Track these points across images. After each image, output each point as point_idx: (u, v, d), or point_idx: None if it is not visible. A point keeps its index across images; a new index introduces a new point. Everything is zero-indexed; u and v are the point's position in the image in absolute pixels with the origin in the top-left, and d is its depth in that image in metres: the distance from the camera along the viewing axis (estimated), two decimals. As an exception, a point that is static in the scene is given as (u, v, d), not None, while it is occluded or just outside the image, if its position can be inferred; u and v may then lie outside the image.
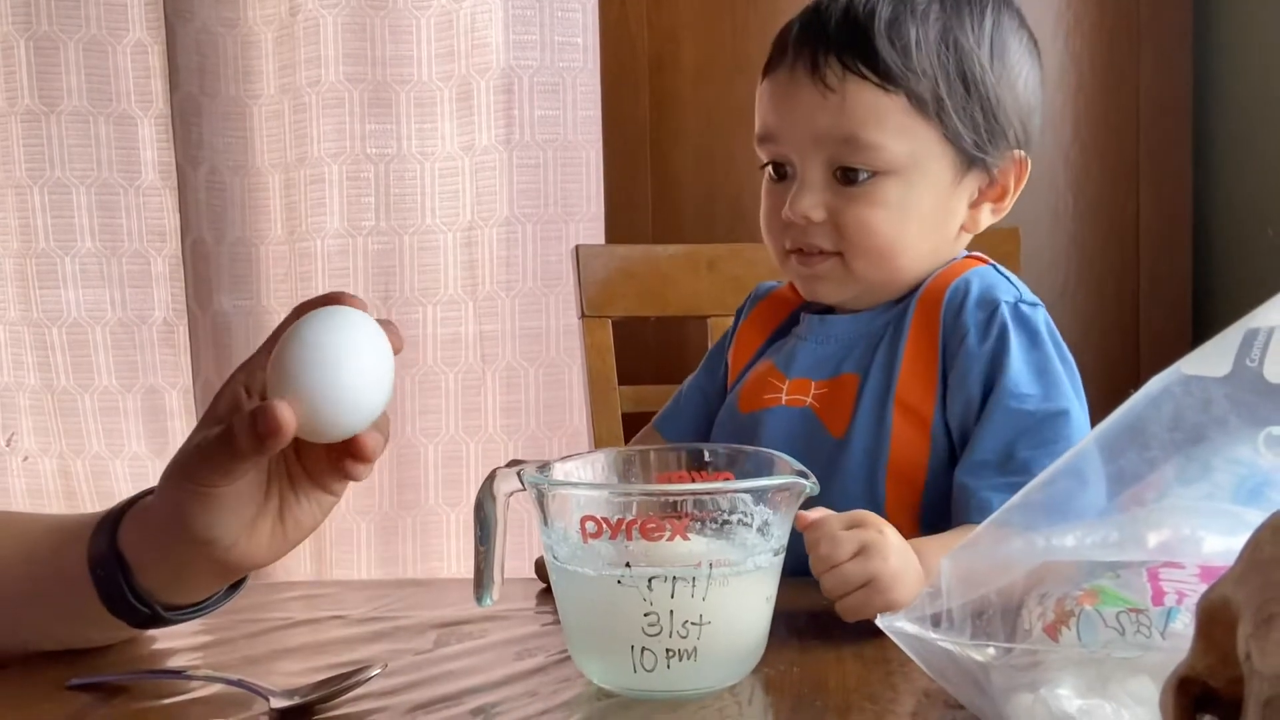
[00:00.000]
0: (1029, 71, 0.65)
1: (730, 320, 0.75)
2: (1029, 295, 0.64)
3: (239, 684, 0.47)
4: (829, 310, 0.68)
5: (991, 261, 0.67)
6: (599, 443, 0.96)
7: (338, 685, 0.46)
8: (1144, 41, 1.23)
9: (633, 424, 0.97)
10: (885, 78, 0.61)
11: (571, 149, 1.20)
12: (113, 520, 0.50)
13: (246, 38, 1.23)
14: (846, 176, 0.62)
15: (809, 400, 0.65)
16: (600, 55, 1.20)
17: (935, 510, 0.61)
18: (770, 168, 0.66)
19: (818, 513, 0.51)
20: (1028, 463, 0.57)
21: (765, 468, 0.50)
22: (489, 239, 1.21)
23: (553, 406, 1.22)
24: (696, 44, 1.26)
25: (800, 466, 0.48)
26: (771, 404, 0.66)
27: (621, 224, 1.24)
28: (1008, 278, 0.65)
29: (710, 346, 0.78)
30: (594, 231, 1.21)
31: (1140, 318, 1.26)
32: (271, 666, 0.51)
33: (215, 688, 0.48)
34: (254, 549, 0.48)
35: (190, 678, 0.49)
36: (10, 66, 1.24)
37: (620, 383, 0.97)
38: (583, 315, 0.98)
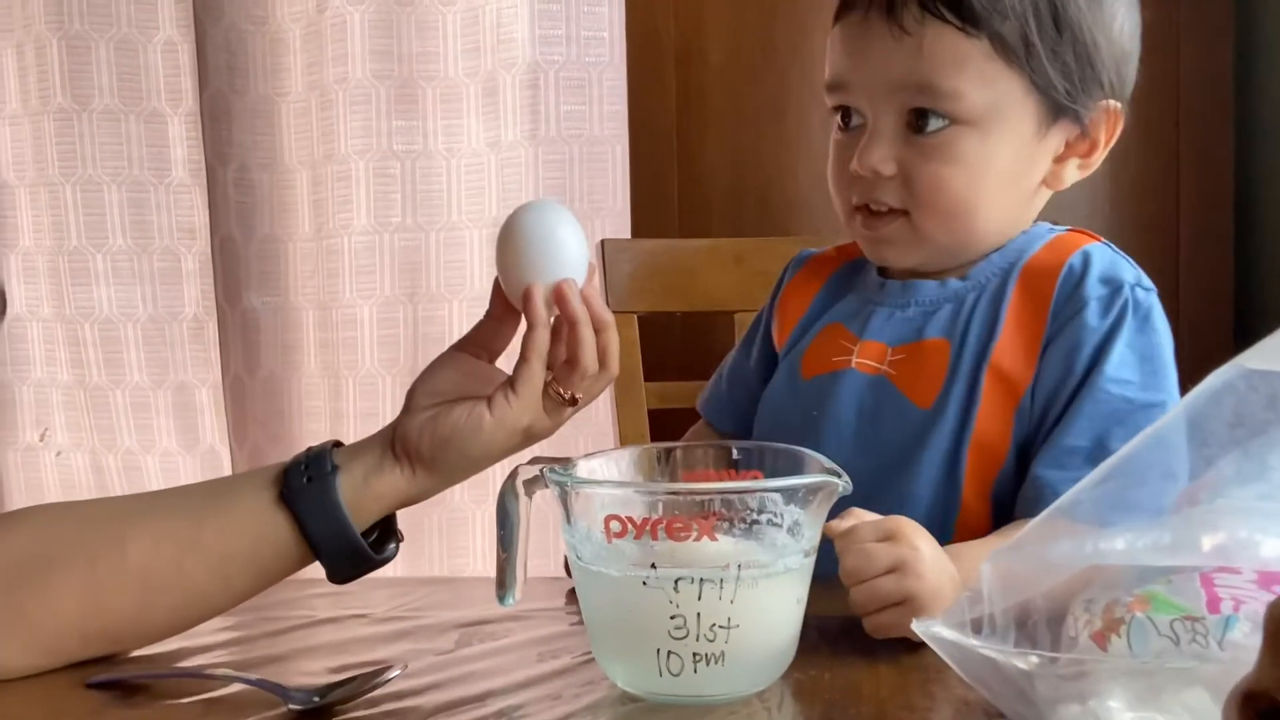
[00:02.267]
0: (1125, 14, 0.61)
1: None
2: (1146, 280, 0.60)
3: (259, 683, 0.47)
4: (910, 273, 0.63)
5: (1104, 240, 0.63)
6: (624, 439, 0.94)
7: (358, 686, 0.46)
8: (1183, 39, 1.20)
9: (658, 420, 0.96)
10: (968, 20, 0.57)
11: (598, 144, 1.19)
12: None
13: (275, 35, 1.23)
14: (919, 123, 0.58)
15: (884, 367, 0.61)
16: (626, 50, 1.18)
17: (1009, 495, 0.58)
18: (839, 116, 0.62)
19: (848, 520, 0.49)
20: None
21: (796, 465, 0.48)
22: (515, 235, 1.20)
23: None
24: (723, 38, 1.24)
25: (832, 465, 0.46)
26: (841, 366, 0.62)
27: (648, 219, 1.22)
28: (1125, 258, 0.61)
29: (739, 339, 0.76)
30: (620, 226, 1.19)
31: (1181, 316, 1.22)
32: (292, 665, 0.51)
33: (235, 687, 0.48)
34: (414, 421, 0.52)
35: (210, 677, 0.48)
36: (43, 65, 1.25)
37: (646, 379, 0.96)
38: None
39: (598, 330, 0.52)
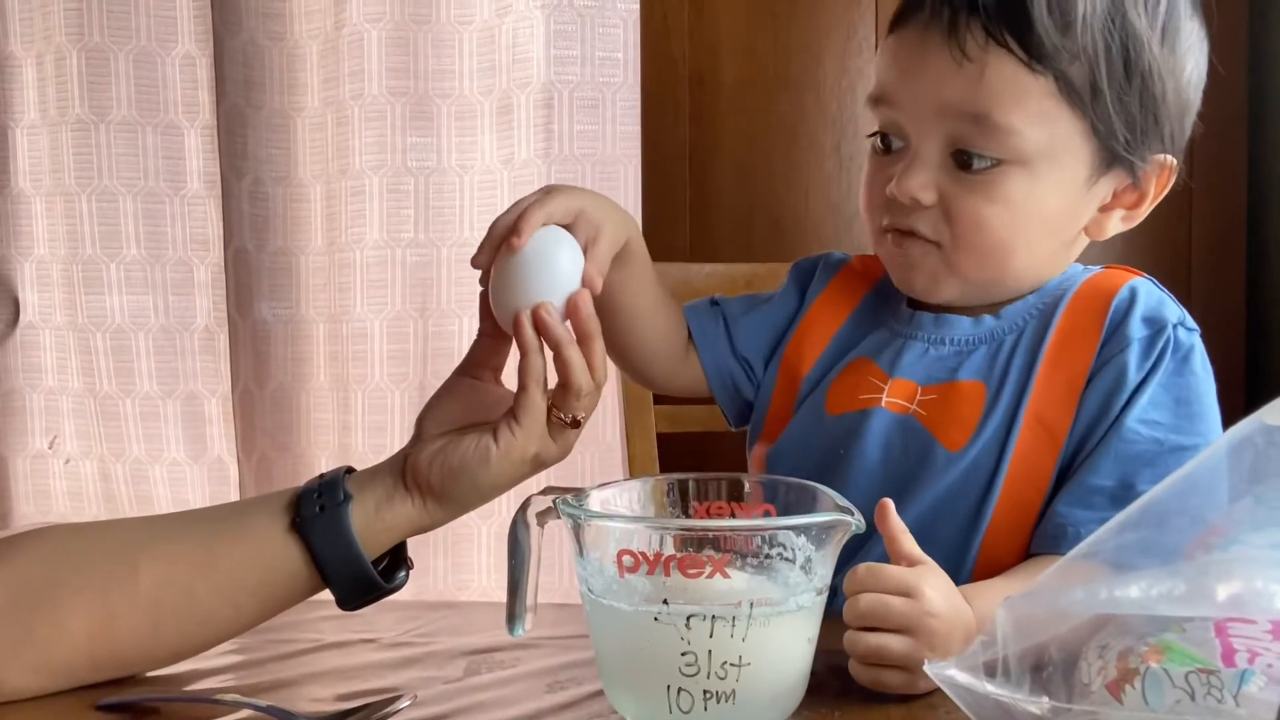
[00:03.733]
0: (1195, 64, 0.57)
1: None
2: (1189, 320, 0.58)
3: (268, 710, 0.47)
4: (940, 306, 0.61)
5: (1147, 275, 0.60)
6: (633, 462, 0.94)
7: (367, 715, 0.46)
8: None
9: (668, 444, 0.96)
10: (1035, 55, 0.53)
11: (610, 164, 1.20)
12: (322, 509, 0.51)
13: (292, 51, 1.24)
14: (963, 161, 0.55)
15: (913, 408, 0.58)
16: (641, 71, 1.19)
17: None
18: (878, 138, 0.59)
19: (868, 567, 0.47)
20: None
21: (809, 501, 0.48)
22: (526, 253, 1.21)
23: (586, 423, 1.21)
24: (737, 62, 1.25)
25: (845, 503, 0.46)
26: (869, 404, 0.59)
27: (659, 240, 1.22)
28: (1169, 295, 0.59)
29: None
30: (631, 247, 1.20)
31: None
32: (301, 691, 0.51)
33: (244, 712, 0.47)
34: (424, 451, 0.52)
35: (220, 701, 0.48)
36: (62, 76, 1.27)
37: (655, 401, 0.96)
38: (619, 333, 0.97)
39: (584, 343, 0.51)
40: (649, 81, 1.21)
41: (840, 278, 0.66)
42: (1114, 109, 0.55)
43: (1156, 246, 1.23)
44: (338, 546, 0.51)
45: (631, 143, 1.20)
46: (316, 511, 0.51)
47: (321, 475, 0.54)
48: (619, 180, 1.20)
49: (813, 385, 0.63)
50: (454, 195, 1.22)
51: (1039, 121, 0.55)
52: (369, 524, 0.52)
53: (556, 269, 0.51)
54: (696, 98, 1.26)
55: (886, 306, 0.65)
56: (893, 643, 0.46)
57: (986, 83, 0.54)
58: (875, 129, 0.60)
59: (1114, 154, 0.56)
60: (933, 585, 0.47)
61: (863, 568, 0.47)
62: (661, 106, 1.24)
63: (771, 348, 0.66)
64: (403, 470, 0.53)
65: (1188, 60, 0.58)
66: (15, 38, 1.28)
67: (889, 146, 0.59)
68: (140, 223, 1.28)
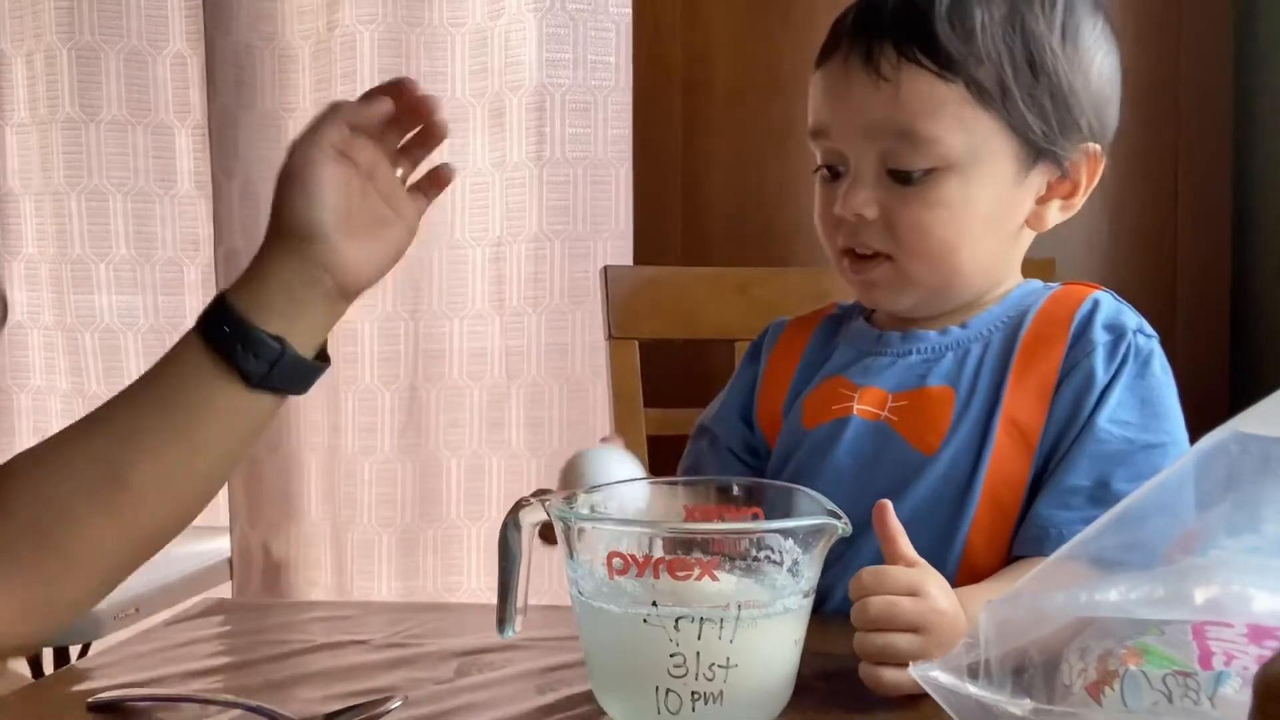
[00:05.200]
0: (1104, 58, 0.61)
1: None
2: (1147, 327, 0.61)
3: (258, 710, 0.47)
4: (905, 321, 0.64)
5: (1107, 289, 0.64)
6: (623, 465, 0.95)
7: (357, 715, 0.46)
8: (1183, 67, 1.21)
9: (658, 446, 0.96)
10: (944, 65, 0.58)
11: (602, 167, 1.20)
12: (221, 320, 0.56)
13: (284, 52, 1.24)
14: (899, 176, 0.59)
15: (884, 414, 0.61)
16: (632, 75, 1.20)
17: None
18: (824, 170, 0.63)
19: (871, 571, 0.48)
20: (1122, 497, 0.53)
21: (796, 505, 0.49)
22: (517, 255, 1.21)
23: (577, 424, 1.22)
24: (729, 65, 1.26)
25: (832, 506, 0.46)
26: (842, 414, 0.62)
27: (650, 243, 1.23)
28: (1127, 306, 0.62)
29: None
30: (622, 250, 1.20)
31: (1177, 349, 1.24)
32: (292, 692, 0.51)
33: (235, 713, 0.48)
34: (353, 255, 0.58)
35: (211, 701, 0.49)
36: (52, 75, 1.26)
37: (646, 404, 0.96)
38: (610, 336, 0.97)
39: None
40: (641, 85, 1.21)
41: (789, 330, 0.71)
42: (1025, 106, 0.59)
43: (1142, 254, 1.24)
44: (305, 384, 0.58)
45: (623, 146, 1.21)
46: (268, 370, 0.56)
47: (213, 314, 0.57)
48: (610, 183, 1.21)
49: (787, 410, 0.66)
50: (445, 197, 1.22)
51: (958, 127, 0.58)
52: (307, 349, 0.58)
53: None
54: (688, 102, 1.26)
55: (843, 328, 0.68)
56: (901, 641, 0.47)
57: (904, 98, 0.58)
58: (819, 164, 0.64)
59: (1037, 148, 0.60)
60: (935, 583, 0.48)
61: (866, 572, 0.48)
62: (653, 110, 1.25)
63: (749, 411, 0.69)
64: (326, 286, 0.58)
65: (1095, 55, 0.61)
66: (5, 36, 1.28)
67: (835, 174, 0.62)
68: (130, 222, 1.28)
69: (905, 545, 0.49)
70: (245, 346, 0.55)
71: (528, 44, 1.19)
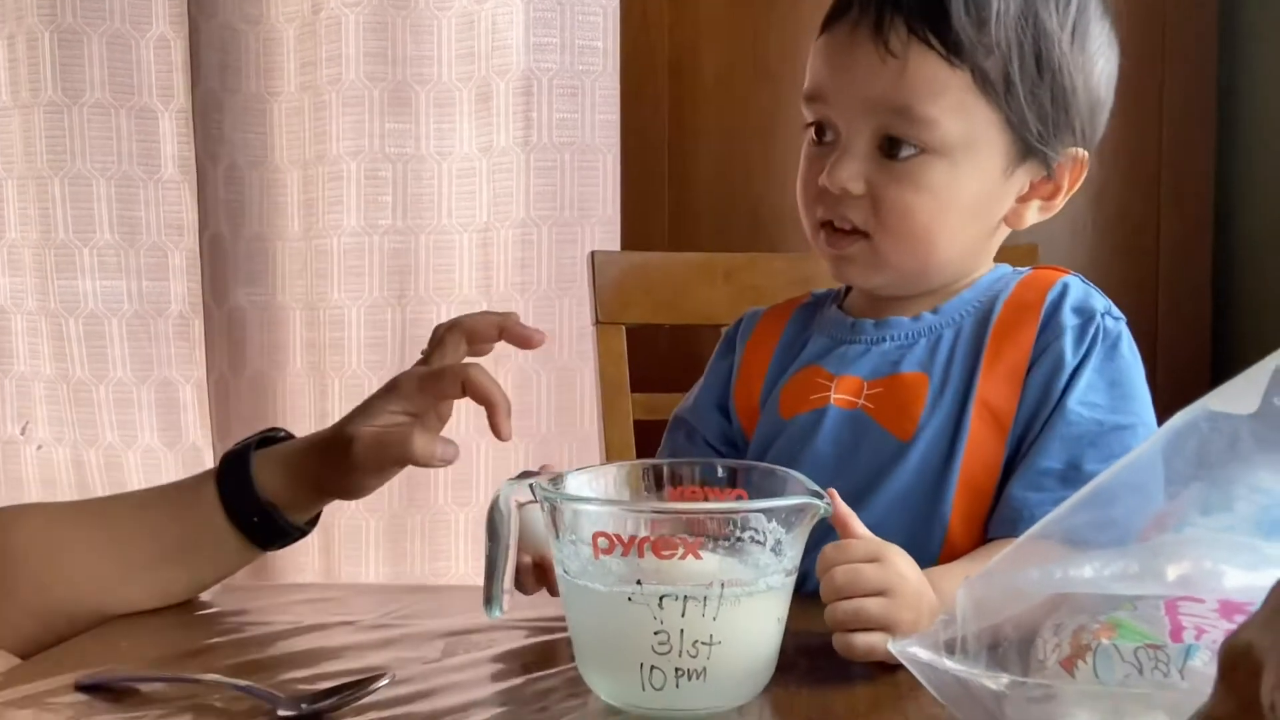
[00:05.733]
0: (1105, 64, 0.61)
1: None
2: (1115, 310, 0.62)
3: (247, 690, 0.47)
4: (876, 310, 0.65)
5: (1075, 272, 0.64)
6: (610, 449, 0.95)
7: (345, 694, 0.46)
8: (1167, 56, 1.22)
9: (644, 431, 0.97)
10: (953, 50, 0.57)
11: (589, 153, 1.20)
12: (236, 471, 0.60)
13: (268, 34, 1.23)
14: (891, 149, 0.59)
15: (860, 402, 0.61)
16: (620, 60, 1.19)
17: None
18: (812, 129, 0.62)
19: (834, 545, 0.50)
20: (1093, 478, 0.55)
21: (779, 485, 0.50)
22: (504, 240, 1.21)
23: (564, 410, 1.22)
24: (717, 51, 1.26)
25: (814, 486, 0.47)
26: (819, 404, 0.62)
27: (637, 229, 1.23)
28: (1095, 289, 0.63)
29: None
30: (609, 235, 1.21)
31: (1159, 336, 1.25)
32: (279, 672, 0.51)
33: (224, 692, 0.48)
34: (377, 485, 0.62)
35: (198, 681, 0.49)
36: (34, 58, 1.25)
37: (632, 389, 0.97)
38: (597, 322, 0.98)
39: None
40: (628, 70, 1.21)
41: (764, 319, 0.71)
42: (1026, 102, 0.59)
43: (1125, 243, 1.25)
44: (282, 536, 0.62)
45: (611, 131, 1.20)
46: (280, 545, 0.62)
47: (244, 499, 0.60)
48: (598, 168, 1.21)
49: (764, 402, 0.67)
50: (432, 182, 1.22)
51: (957, 113, 0.58)
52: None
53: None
54: (676, 86, 1.26)
55: (818, 315, 0.68)
56: (870, 605, 0.48)
57: (909, 77, 0.58)
58: (808, 121, 0.63)
59: (1028, 146, 0.60)
60: (894, 551, 0.50)
61: (829, 547, 0.49)
62: (641, 95, 1.25)
63: (725, 402, 0.69)
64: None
65: (1098, 59, 0.61)
66: (-15, 18, 1.26)
67: (821, 138, 0.62)
68: (114, 207, 1.26)
69: (858, 524, 0.50)
70: (274, 537, 0.61)
71: (515, 28, 1.19)
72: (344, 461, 0.59)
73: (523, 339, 0.61)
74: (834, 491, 0.49)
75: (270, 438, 0.63)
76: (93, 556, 0.59)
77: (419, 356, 0.63)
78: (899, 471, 0.60)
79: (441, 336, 0.62)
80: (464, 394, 0.58)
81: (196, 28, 1.21)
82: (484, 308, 1.22)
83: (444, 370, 0.59)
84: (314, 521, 0.64)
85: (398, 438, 0.58)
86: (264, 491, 0.60)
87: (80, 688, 0.49)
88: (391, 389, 0.60)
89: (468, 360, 0.61)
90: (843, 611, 0.48)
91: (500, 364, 1.27)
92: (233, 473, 0.60)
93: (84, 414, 1.30)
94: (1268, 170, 1.21)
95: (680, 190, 1.27)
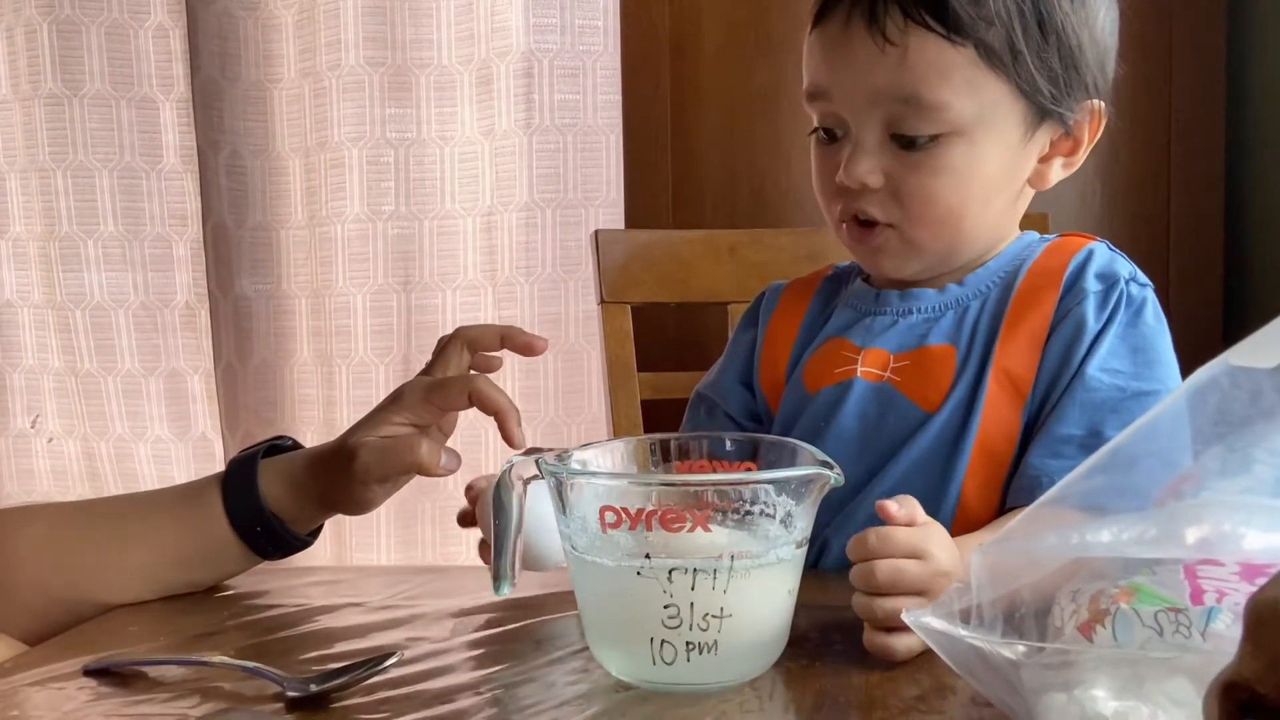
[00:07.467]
0: (1107, 11, 0.60)
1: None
2: (1141, 275, 0.61)
3: (256, 671, 0.47)
4: (906, 281, 0.63)
5: (1102, 239, 0.63)
6: (618, 429, 0.95)
7: (354, 674, 0.46)
8: (1176, 25, 1.20)
9: (652, 411, 0.96)
10: (953, 28, 0.56)
11: (591, 134, 1.19)
12: (241, 481, 0.60)
13: (267, 21, 1.22)
14: (905, 141, 0.58)
15: (887, 375, 0.61)
16: (621, 39, 1.18)
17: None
18: (820, 132, 0.62)
19: (876, 533, 0.47)
20: None
21: (789, 457, 0.49)
22: (508, 224, 1.21)
23: (571, 392, 1.22)
24: (718, 28, 1.24)
25: (824, 457, 0.46)
26: (845, 377, 0.61)
27: (641, 209, 1.23)
28: (1122, 255, 0.62)
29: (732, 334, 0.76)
30: (614, 217, 1.20)
31: (1170, 305, 1.23)
32: (289, 653, 0.51)
33: (232, 674, 0.48)
34: (382, 498, 0.62)
35: (207, 664, 0.49)
36: (33, 50, 1.24)
37: (639, 369, 0.96)
38: (602, 301, 0.97)
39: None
40: (629, 50, 1.20)
41: (788, 293, 0.70)
42: (1035, 67, 0.57)
43: (1135, 206, 1.24)
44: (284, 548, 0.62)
45: (613, 111, 1.19)
46: (271, 549, 0.61)
47: (249, 512, 0.60)
48: (601, 149, 1.20)
49: (790, 371, 0.65)
50: (434, 167, 1.21)
51: (967, 91, 0.57)
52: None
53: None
54: (677, 65, 1.25)
55: (842, 289, 0.67)
56: (911, 605, 0.45)
57: (911, 63, 0.56)
58: (815, 125, 0.62)
59: (1043, 109, 0.59)
60: (938, 544, 0.47)
61: (871, 533, 0.47)
62: (642, 74, 1.24)
63: (749, 376, 0.68)
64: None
65: (1099, 9, 0.60)
66: (-17, 11, 1.26)
67: (833, 137, 0.61)
68: (117, 198, 1.26)
69: (905, 511, 0.48)
70: (275, 547, 0.61)
71: (514, 9, 1.17)
72: (348, 472, 0.58)
73: (525, 346, 0.61)
74: (889, 504, 0.47)
75: (278, 446, 0.63)
76: (95, 559, 0.59)
77: (425, 352, 0.62)
78: (919, 441, 0.59)
79: (443, 348, 0.62)
80: (470, 405, 0.58)
81: (195, 16, 1.20)
82: (489, 292, 1.22)
83: (449, 381, 0.59)
84: (316, 534, 0.63)
85: (402, 446, 0.58)
86: (268, 502, 0.59)
87: (88, 672, 0.49)
88: (396, 400, 0.59)
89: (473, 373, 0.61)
90: (882, 610, 0.46)
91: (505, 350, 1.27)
92: (238, 481, 0.60)
93: (93, 406, 1.31)
94: (1279, 134, 1.19)
95: (683, 169, 1.26)
